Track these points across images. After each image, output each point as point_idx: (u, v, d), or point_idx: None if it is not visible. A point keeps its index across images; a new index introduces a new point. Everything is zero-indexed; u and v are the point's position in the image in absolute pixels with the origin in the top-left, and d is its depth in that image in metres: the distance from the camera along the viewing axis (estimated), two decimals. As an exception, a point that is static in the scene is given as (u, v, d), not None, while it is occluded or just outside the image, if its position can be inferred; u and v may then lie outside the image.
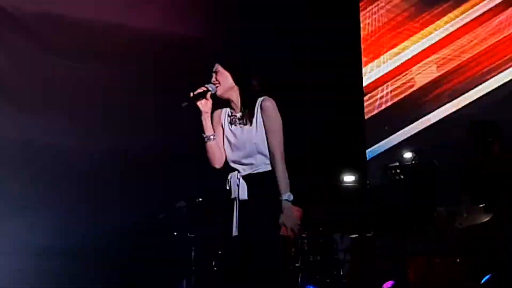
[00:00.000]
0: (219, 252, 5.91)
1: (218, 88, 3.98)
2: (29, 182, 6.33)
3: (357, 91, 7.73)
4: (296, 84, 7.12)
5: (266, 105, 3.94)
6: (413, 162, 4.92)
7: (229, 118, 4.04)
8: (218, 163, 4.03)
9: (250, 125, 3.94)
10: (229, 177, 4.00)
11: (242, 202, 3.91)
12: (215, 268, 5.94)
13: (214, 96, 4.01)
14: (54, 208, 6.42)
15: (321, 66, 7.52)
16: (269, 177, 3.91)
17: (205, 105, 3.96)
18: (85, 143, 6.61)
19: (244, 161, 3.96)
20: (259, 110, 3.94)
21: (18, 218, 6.23)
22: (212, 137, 3.99)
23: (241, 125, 3.97)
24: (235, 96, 4.01)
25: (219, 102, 4.13)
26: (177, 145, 6.89)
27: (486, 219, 5.05)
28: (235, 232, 3.90)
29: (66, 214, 6.48)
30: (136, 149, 6.84)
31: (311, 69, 7.49)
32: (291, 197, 3.83)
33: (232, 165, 4.01)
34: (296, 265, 5.84)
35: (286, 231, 3.78)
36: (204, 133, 3.99)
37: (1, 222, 6.17)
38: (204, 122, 3.98)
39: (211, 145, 3.99)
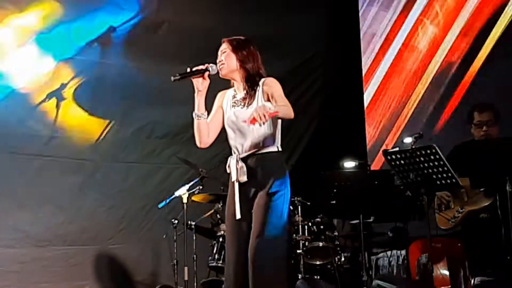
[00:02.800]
0: (221, 239, 5.94)
1: (222, 68, 3.96)
2: (33, 176, 6.36)
3: (357, 75, 7.75)
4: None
5: (267, 80, 3.95)
6: (413, 146, 4.89)
7: (231, 101, 4.03)
8: (203, 143, 4.02)
9: (251, 105, 3.92)
10: (228, 161, 4.00)
11: (242, 185, 3.92)
12: (216, 256, 5.95)
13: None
14: (57, 202, 6.46)
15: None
16: (268, 158, 3.91)
17: (201, 83, 3.93)
18: (86, 137, 6.64)
19: (243, 142, 3.94)
20: (260, 89, 3.92)
21: (21, 211, 6.27)
22: (202, 115, 3.96)
23: (242, 106, 3.96)
24: (238, 77, 4.00)
25: (221, 84, 4.12)
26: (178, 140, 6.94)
27: (487, 203, 5.06)
28: (238, 215, 3.90)
29: (67, 208, 6.51)
30: (136, 143, 6.87)
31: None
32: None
33: (233, 147, 4.02)
34: (298, 251, 5.85)
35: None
36: (195, 111, 3.96)
37: (5, 215, 6.20)
38: (196, 100, 3.94)
39: (200, 124, 3.96)
